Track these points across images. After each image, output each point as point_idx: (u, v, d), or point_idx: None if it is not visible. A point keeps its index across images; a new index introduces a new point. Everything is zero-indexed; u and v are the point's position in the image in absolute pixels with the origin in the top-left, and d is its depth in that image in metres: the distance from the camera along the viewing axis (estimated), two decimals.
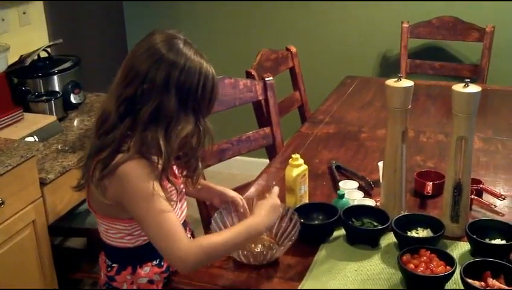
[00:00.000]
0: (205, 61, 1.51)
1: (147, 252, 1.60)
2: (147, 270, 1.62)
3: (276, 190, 1.67)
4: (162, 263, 1.64)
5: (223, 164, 2.50)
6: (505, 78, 3.27)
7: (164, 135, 1.47)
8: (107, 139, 1.49)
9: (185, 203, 1.71)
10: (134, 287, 1.63)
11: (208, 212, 2.24)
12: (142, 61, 1.47)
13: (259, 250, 1.66)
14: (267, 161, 2.59)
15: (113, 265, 1.64)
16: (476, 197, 1.88)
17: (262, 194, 1.97)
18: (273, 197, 1.63)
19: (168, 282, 1.64)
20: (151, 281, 1.63)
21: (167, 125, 1.48)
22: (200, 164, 1.61)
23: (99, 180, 1.47)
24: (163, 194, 1.47)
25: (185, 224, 1.68)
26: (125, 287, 1.64)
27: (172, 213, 1.47)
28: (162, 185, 1.48)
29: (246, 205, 1.77)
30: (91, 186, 1.53)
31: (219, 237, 1.50)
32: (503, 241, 1.63)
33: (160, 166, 1.46)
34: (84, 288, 2.91)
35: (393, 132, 1.74)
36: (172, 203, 1.52)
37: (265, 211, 1.57)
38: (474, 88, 1.64)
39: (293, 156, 1.84)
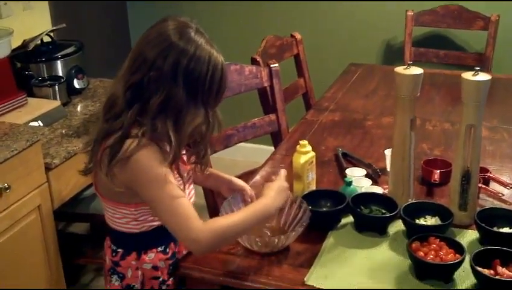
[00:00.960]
0: (215, 51, 1.50)
1: (152, 238, 1.61)
2: (151, 257, 1.62)
3: (283, 172, 1.67)
4: (168, 250, 1.64)
5: (226, 151, 2.50)
6: (509, 66, 3.26)
7: (174, 125, 1.47)
8: (115, 124, 1.48)
9: (193, 190, 1.71)
10: (139, 273, 1.63)
11: (214, 199, 2.24)
12: (151, 47, 1.47)
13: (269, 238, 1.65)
14: (271, 148, 2.59)
15: (118, 250, 1.64)
16: (483, 186, 1.88)
17: (269, 179, 1.98)
18: (281, 179, 1.64)
19: (173, 269, 1.64)
20: (155, 267, 1.63)
21: (176, 116, 1.47)
22: (208, 150, 1.62)
23: (109, 167, 1.46)
24: (173, 178, 1.47)
25: None
26: (129, 272, 1.64)
27: (184, 197, 1.48)
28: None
29: (253, 194, 1.77)
30: (99, 172, 1.53)
31: (232, 219, 1.52)
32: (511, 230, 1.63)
33: (171, 155, 1.46)
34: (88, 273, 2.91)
35: (402, 119, 1.74)
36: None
37: (274, 193, 1.58)
38: (483, 76, 1.63)
39: (301, 142, 1.83)
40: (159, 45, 1.46)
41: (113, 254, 1.65)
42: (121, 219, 1.59)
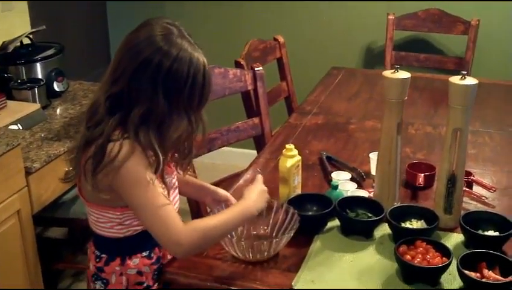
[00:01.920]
0: (198, 54, 1.47)
1: (137, 243, 1.58)
2: (136, 262, 1.60)
3: (260, 177, 1.67)
4: (152, 255, 1.61)
5: (210, 154, 2.48)
6: (489, 71, 3.29)
7: (157, 136, 1.46)
8: (96, 132, 1.47)
9: (177, 196, 1.69)
10: (124, 279, 1.61)
11: (197, 204, 2.22)
12: (130, 57, 1.45)
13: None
14: (254, 152, 2.58)
15: (102, 256, 1.62)
16: (467, 189, 1.89)
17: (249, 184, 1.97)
18: (259, 182, 1.64)
19: (158, 274, 1.62)
20: (140, 273, 1.60)
21: (159, 127, 1.46)
22: (192, 149, 1.61)
23: (93, 176, 1.44)
24: (156, 179, 1.46)
25: None
26: (114, 278, 1.61)
27: (165, 198, 1.47)
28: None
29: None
30: (82, 178, 1.51)
31: (214, 220, 1.51)
32: (496, 233, 1.64)
33: (154, 165, 1.46)
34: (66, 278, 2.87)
35: (389, 123, 1.74)
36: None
37: (254, 195, 1.59)
38: (471, 80, 1.64)
39: (287, 146, 1.83)
40: (138, 55, 1.43)
41: (97, 260, 1.63)
42: (106, 223, 1.57)
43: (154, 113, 1.44)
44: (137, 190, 1.44)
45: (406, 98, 1.73)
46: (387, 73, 1.71)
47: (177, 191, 1.69)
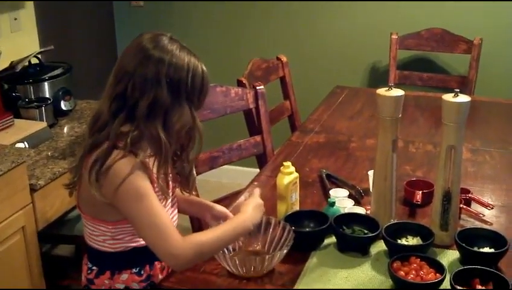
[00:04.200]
0: (193, 56, 1.55)
1: (127, 259, 1.61)
2: (124, 277, 1.63)
3: (257, 191, 1.71)
4: (142, 272, 1.64)
5: (212, 173, 2.51)
6: (492, 89, 3.31)
7: (162, 126, 1.51)
8: (100, 137, 1.51)
9: (176, 215, 1.72)
10: None
11: (199, 221, 2.24)
12: (129, 60, 1.52)
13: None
14: (256, 170, 2.60)
15: (93, 268, 1.66)
16: (464, 206, 1.90)
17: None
18: (255, 197, 1.68)
19: None
20: (128, 289, 1.63)
21: (164, 117, 1.52)
22: (193, 169, 1.65)
23: (95, 179, 1.47)
24: (154, 193, 1.49)
25: None
26: None
27: (164, 211, 1.50)
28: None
29: None
30: (83, 185, 1.55)
31: (211, 234, 1.55)
32: (492, 250, 1.65)
33: (155, 165, 1.51)
34: None
35: (384, 140, 1.76)
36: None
37: (251, 209, 1.63)
38: (463, 98, 1.66)
39: (285, 163, 1.85)
40: (136, 56, 1.50)
41: (88, 272, 1.67)
42: (99, 236, 1.60)
43: (159, 103, 1.49)
44: (136, 203, 1.47)
45: (400, 115, 1.75)
46: (381, 91, 1.74)
47: (176, 208, 1.72)
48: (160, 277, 1.66)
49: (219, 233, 1.55)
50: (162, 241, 1.46)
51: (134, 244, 1.58)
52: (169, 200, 1.66)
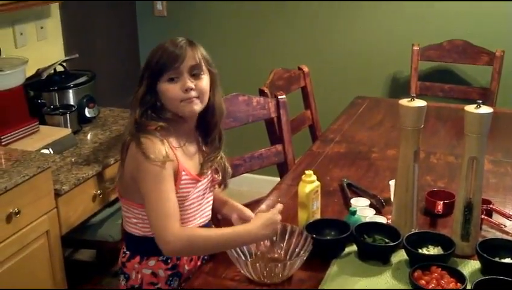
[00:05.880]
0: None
1: (156, 246, 1.63)
2: (152, 263, 1.70)
3: (279, 206, 1.69)
4: (169, 261, 1.71)
5: (232, 181, 2.52)
6: None
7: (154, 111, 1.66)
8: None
9: (211, 201, 1.79)
10: (139, 276, 1.71)
11: (218, 220, 2.27)
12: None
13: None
14: (277, 178, 2.61)
15: (127, 252, 1.74)
16: (486, 217, 1.90)
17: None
18: (273, 212, 1.66)
19: (172, 280, 1.71)
20: (154, 274, 1.70)
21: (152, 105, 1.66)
22: (227, 164, 1.79)
23: (121, 165, 1.64)
24: (170, 180, 1.57)
25: (209, 224, 1.79)
26: (133, 274, 1.72)
27: (173, 199, 1.56)
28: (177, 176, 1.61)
29: None
30: (120, 168, 1.66)
31: (209, 233, 1.62)
32: None
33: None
34: None
35: (406, 151, 1.77)
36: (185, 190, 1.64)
37: (261, 223, 1.62)
38: (485, 109, 1.67)
39: (306, 172, 1.87)
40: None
41: (123, 255, 1.75)
42: (131, 218, 1.68)
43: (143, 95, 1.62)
44: (148, 180, 1.55)
45: (422, 126, 1.76)
46: (404, 101, 1.75)
47: (211, 196, 1.79)
48: (186, 267, 1.72)
49: (217, 235, 1.60)
50: (160, 225, 1.54)
51: None
52: (201, 187, 1.72)
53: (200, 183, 1.71)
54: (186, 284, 1.67)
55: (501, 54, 3.23)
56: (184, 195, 1.65)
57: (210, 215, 1.80)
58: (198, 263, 1.75)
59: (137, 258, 1.71)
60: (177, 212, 1.57)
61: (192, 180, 1.67)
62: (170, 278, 1.71)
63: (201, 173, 1.70)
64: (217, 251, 1.65)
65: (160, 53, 1.62)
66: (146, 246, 1.67)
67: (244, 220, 1.80)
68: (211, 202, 1.79)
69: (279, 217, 1.66)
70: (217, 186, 1.81)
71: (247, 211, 1.84)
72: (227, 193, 2.27)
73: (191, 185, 1.67)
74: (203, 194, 1.74)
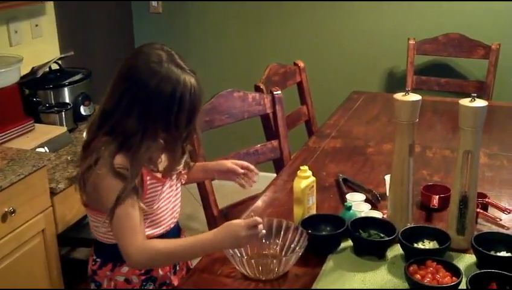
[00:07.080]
0: (187, 75, 1.54)
1: None
2: (125, 270, 1.68)
3: (257, 220, 1.56)
4: None
5: None
6: (510, 95, 3.30)
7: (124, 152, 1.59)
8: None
9: (179, 198, 1.76)
10: (112, 284, 1.69)
11: (212, 212, 2.29)
12: (123, 80, 1.61)
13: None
14: (272, 174, 2.61)
15: (97, 260, 1.72)
16: (481, 211, 1.90)
17: (269, 206, 2.01)
18: (247, 225, 1.54)
19: (146, 285, 1.70)
20: (128, 281, 1.69)
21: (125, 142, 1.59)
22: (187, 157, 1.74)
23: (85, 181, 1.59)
24: (134, 190, 1.54)
25: (177, 228, 1.77)
26: (105, 282, 1.70)
27: (135, 214, 1.54)
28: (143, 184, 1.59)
29: (243, 171, 1.92)
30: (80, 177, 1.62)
31: (170, 245, 1.58)
32: (509, 254, 1.65)
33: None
34: None
35: (401, 145, 1.77)
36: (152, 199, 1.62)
37: (225, 235, 1.55)
38: (480, 102, 1.66)
39: (302, 167, 1.86)
40: (132, 76, 1.57)
41: (93, 263, 1.73)
42: (100, 227, 1.66)
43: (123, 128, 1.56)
44: (111, 199, 1.52)
45: (417, 120, 1.75)
46: (398, 96, 1.75)
47: (178, 193, 1.76)
48: (160, 272, 1.71)
49: (178, 247, 1.58)
50: (124, 239, 1.53)
51: None
52: (167, 186, 1.69)
53: (167, 181, 1.70)
54: (181, 282, 1.66)
55: (497, 47, 3.23)
56: (153, 196, 1.63)
57: (178, 214, 1.78)
58: (172, 266, 1.74)
59: (110, 266, 1.69)
60: (141, 225, 1.55)
61: (158, 182, 1.65)
62: (144, 283, 1.69)
63: (165, 176, 1.68)
64: (178, 261, 1.71)
65: (194, 91, 1.54)
66: (118, 254, 1.60)
67: (226, 173, 1.87)
68: (179, 199, 1.77)
69: (250, 231, 1.54)
70: (185, 176, 1.78)
71: (225, 163, 1.90)
72: (226, 190, 2.27)
73: (158, 185, 1.64)
74: (171, 191, 1.72)
